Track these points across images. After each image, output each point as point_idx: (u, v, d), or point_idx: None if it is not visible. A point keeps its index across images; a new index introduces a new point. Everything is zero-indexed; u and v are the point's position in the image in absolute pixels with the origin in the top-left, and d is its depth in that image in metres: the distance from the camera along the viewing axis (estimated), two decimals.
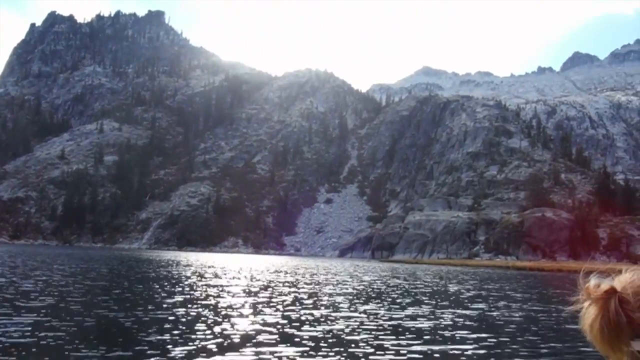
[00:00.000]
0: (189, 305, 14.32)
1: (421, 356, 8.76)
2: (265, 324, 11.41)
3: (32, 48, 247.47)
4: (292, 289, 21.78)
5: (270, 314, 13.11)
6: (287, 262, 68.80)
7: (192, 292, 18.65)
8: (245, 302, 15.81)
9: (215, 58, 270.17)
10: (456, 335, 11.16)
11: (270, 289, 21.57)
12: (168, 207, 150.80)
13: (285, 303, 15.98)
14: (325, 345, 9.29)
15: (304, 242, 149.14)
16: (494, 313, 15.87)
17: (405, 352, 8.99)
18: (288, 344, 9.21)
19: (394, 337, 10.45)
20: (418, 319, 13.57)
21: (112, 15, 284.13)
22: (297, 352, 8.63)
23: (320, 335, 10.31)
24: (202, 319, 11.88)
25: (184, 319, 11.85)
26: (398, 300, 18.77)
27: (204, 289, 19.84)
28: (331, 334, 10.53)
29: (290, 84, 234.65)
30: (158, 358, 7.88)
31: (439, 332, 11.48)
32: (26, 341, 8.57)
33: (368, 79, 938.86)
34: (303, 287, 23.30)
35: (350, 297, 19.00)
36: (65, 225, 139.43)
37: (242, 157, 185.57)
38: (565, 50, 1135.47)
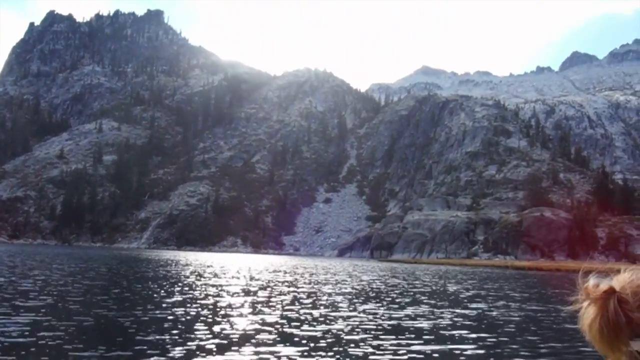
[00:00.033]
0: (188, 305, 14.32)
1: (420, 356, 8.77)
2: (264, 323, 11.42)
3: (31, 47, 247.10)
4: (291, 289, 21.78)
5: (270, 314, 13.11)
6: (286, 261, 68.82)
7: (191, 291, 18.66)
8: (244, 301, 15.82)
9: (214, 57, 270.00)
10: (455, 334, 11.17)
11: (269, 288, 21.57)
12: (167, 206, 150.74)
13: (284, 303, 15.99)
14: (325, 344, 9.30)
15: (303, 242, 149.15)
16: (493, 313, 15.88)
17: (404, 351, 9.00)
18: (287, 344, 9.22)
19: (393, 336, 10.46)
20: (417, 318, 13.59)
21: (111, 14, 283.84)
22: (296, 351, 8.64)
23: (319, 334, 10.31)
24: (201, 318, 11.88)
25: (183, 319, 11.86)
26: (397, 300, 18.79)
27: (203, 289, 19.84)
28: (330, 333, 10.53)
29: (289, 84, 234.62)
30: (157, 357, 7.89)
31: (438, 331, 11.49)
32: (25, 341, 8.57)
33: (367, 78, 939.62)
34: (302, 287, 23.31)
35: (350, 297, 19.01)
36: (64, 224, 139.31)
37: (241, 156, 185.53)
38: (564, 49, 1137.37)
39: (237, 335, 9.76)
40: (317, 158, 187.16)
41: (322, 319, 12.65)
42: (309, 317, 12.87)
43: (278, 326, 11.11)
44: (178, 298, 16.21)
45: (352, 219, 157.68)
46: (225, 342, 9.13)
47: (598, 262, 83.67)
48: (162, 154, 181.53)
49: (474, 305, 17.73)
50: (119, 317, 11.60)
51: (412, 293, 22.60)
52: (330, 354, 8.60)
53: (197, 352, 8.25)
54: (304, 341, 9.51)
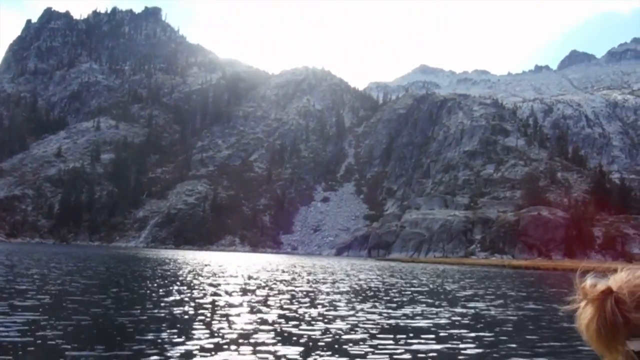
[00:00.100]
0: (186, 304, 14.33)
1: (418, 355, 8.78)
2: (262, 322, 11.43)
3: (28, 45, 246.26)
4: (289, 288, 21.80)
5: (268, 313, 13.12)
6: (284, 260, 68.87)
7: (189, 290, 18.66)
8: (242, 300, 15.83)
9: (212, 55, 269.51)
10: (453, 333, 11.19)
11: (267, 287, 21.59)
12: (165, 205, 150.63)
13: (282, 301, 16.01)
14: (323, 344, 9.31)
15: (301, 241, 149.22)
16: (491, 311, 15.92)
17: (402, 350, 9.02)
18: (285, 343, 9.23)
19: (391, 335, 10.47)
20: (415, 317, 13.61)
21: (109, 11, 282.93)
22: (294, 350, 8.65)
23: (317, 333, 10.33)
24: (200, 317, 11.89)
25: (181, 318, 11.86)
26: (395, 299, 18.82)
27: (201, 288, 19.85)
28: (328, 332, 10.55)
29: (287, 82, 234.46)
30: (155, 357, 7.89)
31: (436, 330, 11.51)
32: (23, 340, 8.56)
33: (365, 77, 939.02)
34: (300, 286, 23.33)
35: (348, 296, 19.04)
36: (62, 223, 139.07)
37: (239, 155, 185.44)
38: (562, 48, 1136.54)
39: (235, 335, 9.77)
40: (315, 157, 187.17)
41: (320, 318, 12.66)
42: (307, 316, 12.88)
43: (276, 325, 11.12)
44: (176, 297, 16.21)
45: (350, 217, 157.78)
46: (223, 341, 9.14)
47: (595, 261, 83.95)
48: (160, 152, 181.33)
49: (471, 304, 17.77)
50: (117, 316, 11.60)
51: (410, 292, 22.64)
52: (328, 353, 8.62)
53: (196, 351, 8.26)
54: (302, 340, 9.53)
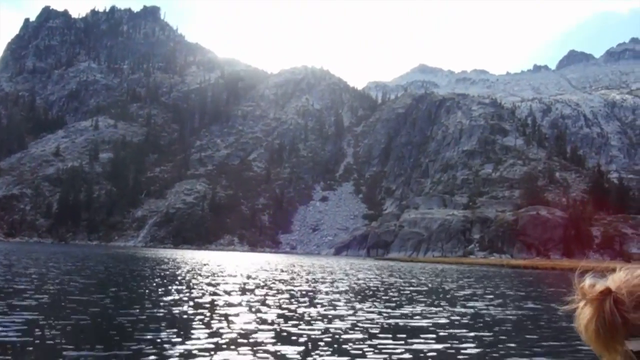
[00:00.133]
0: (185, 304, 14.32)
1: (418, 354, 8.79)
2: (261, 322, 11.42)
3: (26, 43, 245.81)
4: (288, 287, 21.80)
5: (266, 312, 13.12)
6: (283, 260, 68.86)
7: (188, 290, 18.64)
8: (241, 300, 15.82)
9: (211, 54, 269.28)
10: (452, 333, 11.20)
11: (266, 287, 21.58)
12: (164, 204, 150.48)
13: (281, 301, 16.01)
14: (322, 343, 9.31)
15: (300, 240, 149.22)
16: (490, 311, 15.93)
17: (401, 350, 9.02)
18: (284, 342, 9.22)
19: (390, 335, 10.48)
20: (414, 317, 13.62)
21: (107, 10, 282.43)
22: (293, 350, 8.64)
23: (316, 333, 10.32)
24: (198, 317, 11.88)
25: (179, 317, 11.85)
26: (394, 299, 18.82)
27: (200, 287, 19.83)
28: (327, 332, 10.54)
29: (286, 81, 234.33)
30: (154, 356, 7.88)
31: (435, 330, 11.52)
32: (21, 340, 8.54)
33: (364, 76, 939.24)
34: (299, 285, 23.33)
35: (346, 295, 19.04)
36: (60, 222, 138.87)
37: (237, 154, 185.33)
38: (561, 48, 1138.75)
39: (235, 334, 9.76)
40: (313, 156, 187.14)
41: (319, 317, 12.66)
42: (306, 315, 12.88)
43: (275, 325, 11.11)
44: (175, 296, 16.20)
45: (349, 217, 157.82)
46: (222, 340, 9.13)
47: (593, 260, 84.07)
48: (158, 151, 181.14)
49: (470, 304, 17.78)
50: (116, 316, 11.58)
51: (408, 291, 22.65)
52: (327, 352, 8.61)
53: (195, 351, 8.25)
54: (302, 340, 9.52)
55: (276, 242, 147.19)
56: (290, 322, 11.55)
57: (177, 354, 8.05)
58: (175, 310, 12.96)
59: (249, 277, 27.72)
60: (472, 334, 11.28)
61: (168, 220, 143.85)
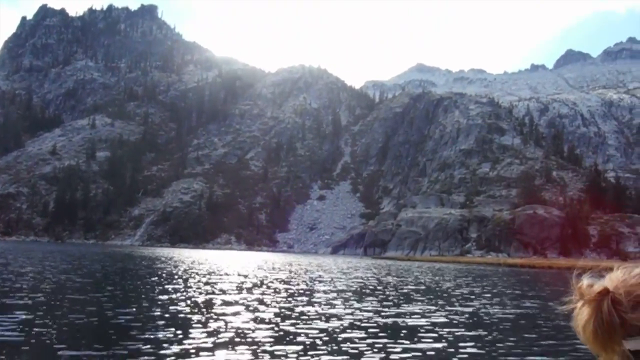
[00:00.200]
0: (182, 303, 14.28)
1: (415, 353, 8.77)
2: (258, 320, 11.39)
3: (23, 42, 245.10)
4: (286, 286, 21.78)
5: (264, 311, 13.09)
6: (280, 259, 68.84)
7: (185, 289, 18.60)
8: (238, 299, 15.78)
9: (208, 53, 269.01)
10: (450, 332, 11.19)
11: (264, 286, 21.56)
12: (161, 203, 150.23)
13: (278, 300, 15.98)
14: (320, 342, 9.29)
15: (297, 239, 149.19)
16: (487, 310, 15.94)
17: (399, 349, 9.01)
18: (282, 341, 9.20)
19: (387, 334, 10.46)
20: (412, 316, 13.60)
21: (105, 9, 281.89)
22: (291, 349, 8.62)
23: (314, 332, 10.30)
24: (195, 316, 11.84)
25: (176, 316, 11.81)
26: (391, 298, 18.82)
27: (197, 286, 19.79)
28: (324, 331, 10.52)
29: (283, 80, 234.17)
30: (151, 356, 7.84)
31: (433, 329, 11.51)
32: (17, 339, 8.49)
33: (361, 75, 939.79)
34: (296, 284, 23.31)
35: (344, 294, 19.02)
36: (57, 221, 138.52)
37: (235, 153, 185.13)
38: (558, 47, 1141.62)
39: (232, 333, 9.73)
40: (311, 155, 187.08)
41: (316, 316, 12.64)
42: (303, 314, 12.86)
43: (272, 324, 11.08)
44: (172, 295, 16.15)
45: (346, 216, 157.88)
46: (219, 339, 9.10)
47: (590, 259, 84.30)
48: (155, 150, 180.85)
49: (468, 303, 17.79)
50: (113, 315, 11.54)
51: (406, 290, 22.66)
52: (325, 351, 8.59)
53: (192, 350, 8.22)
54: (299, 339, 9.50)
55: (273, 241, 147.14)
56: (288, 321, 11.53)
57: (174, 353, 8.02)
58: (172, 309, 12.92)
59: (246, 276, 27.68)
60: (469, 332, 11.28)
61: (165, 219, 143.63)
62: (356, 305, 15.51)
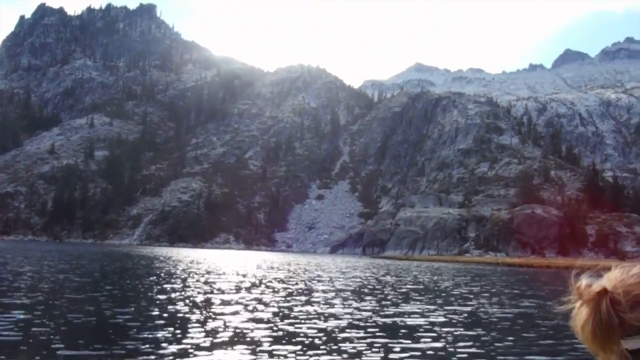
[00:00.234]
0: (181, 302, 14.27)
1: (414, 352, 8.78)
2: (256, 320, 11.39)
3: (21, 41, 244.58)
4: (284, 286, 21.78)
5: (262, 311, 13.08)
6: (279, 258, 68.83)
7: (183, 288, 18.59)
8: (237, 298, 15.77)
9: (207, 53, 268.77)
10: (448, 331, 11.20)
11: (262, 285, 21.55)
12: (159, 202, 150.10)
13: (276, 299, 15.98)
14: (318, 342, 9.29)
15: (295, 239, 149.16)
16: (486, 309, 15.96)
17: (397, 348, 9.01)
18: (280, 341, 9.19)
19: (386, 334, 10.47)
20: (410, 315, 13.61)
21: (103, 8, 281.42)
22: (289, 349, 8.62)
23: (312, 331, 10.30)
24: (194, 315, 11.83)
25: (175, 316, 11.80)
26: (390, 297, 18.83)
27: (196, 286, 19.78)
28: (323, 330, 10.52)
29: (282, 80, 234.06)
30: (149, 355, 7.84)
31: (431, 328, 11.52)
32: (15, 338, 8.48)
33: (360, 75, 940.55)
34: (295, 284, 23.31)
35: (342, 294, 19.03)
36: (55, 221, 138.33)
37: (233, 152, 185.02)
38: (556, 47, 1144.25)
39: (230, 333, 9.73)
40: (309, 154, 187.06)
41: (315, 315, 12.64)
42: (301, 314, 12.86)
43: (271, 323, 11.08)
44: (170, 295, 16.14)
45: (345, 215, 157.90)
46: (218, 339, 9.09)
47: (588, 258, 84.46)
48: (154, 149, 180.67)
49: (466, 302, 17.81)
50: (111, 314, 11.53)
51: (405, 290, 22.66)
52: (323, 351, 8.59)
53: (190, 349, 8.21)
54: (297, 338, 9.50)
55: (272, 240, 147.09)
56: (286, 321, 11.52)
57: (173, 352, 8.01)
58: (171, 308, 12.91)
59: (244, 275, 27.67)
60: (468, 332, 11.29)
61: (163, 218, 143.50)
62: (355, 304, 15.51)
